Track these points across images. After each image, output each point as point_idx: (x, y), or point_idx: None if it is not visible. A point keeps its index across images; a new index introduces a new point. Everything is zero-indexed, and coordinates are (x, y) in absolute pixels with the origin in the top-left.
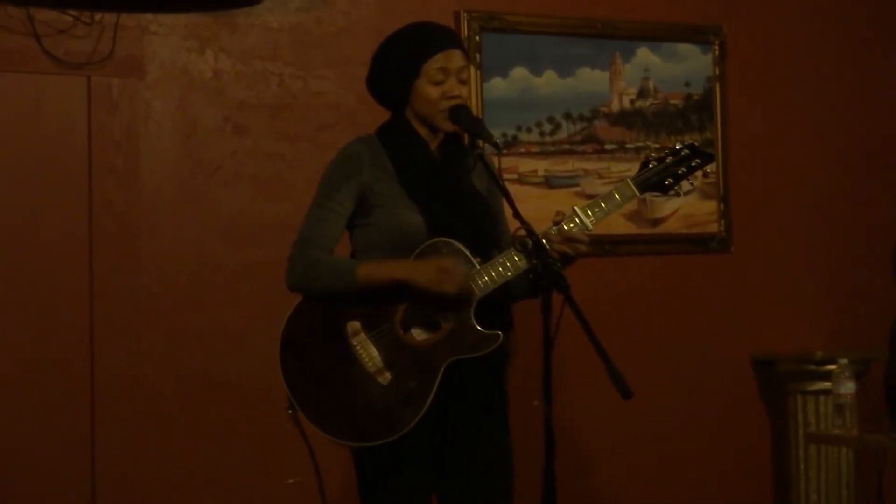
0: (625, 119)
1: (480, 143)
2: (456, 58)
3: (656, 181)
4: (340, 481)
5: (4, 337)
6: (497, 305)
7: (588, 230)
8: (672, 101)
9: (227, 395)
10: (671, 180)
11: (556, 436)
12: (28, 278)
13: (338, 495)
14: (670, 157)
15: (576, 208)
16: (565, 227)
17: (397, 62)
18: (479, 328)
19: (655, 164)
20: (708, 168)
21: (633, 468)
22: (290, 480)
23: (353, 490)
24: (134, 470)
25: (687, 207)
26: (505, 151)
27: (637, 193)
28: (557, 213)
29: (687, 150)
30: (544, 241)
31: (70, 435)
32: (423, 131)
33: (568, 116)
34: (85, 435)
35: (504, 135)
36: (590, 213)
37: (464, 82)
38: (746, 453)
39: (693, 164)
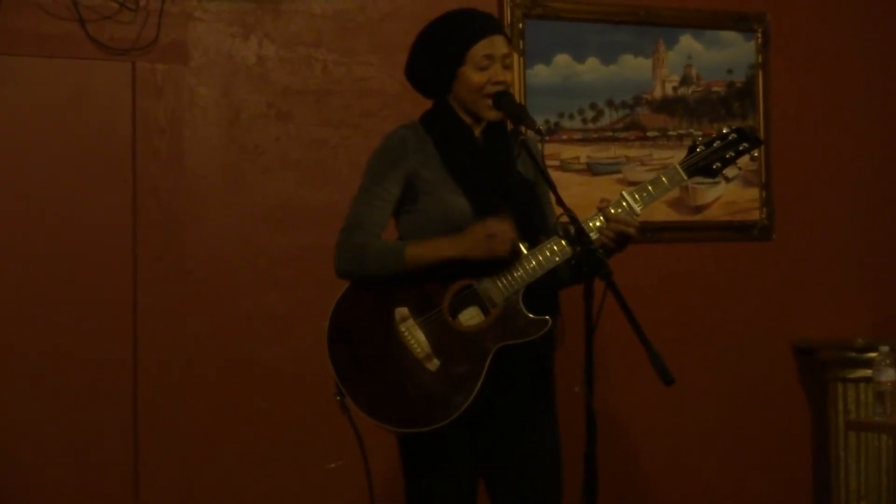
0: (667, 106)
1: (523, 129)
2: (500, 44)
3: (704, 165)
4: (385, 466)
5: (48, 323)
6: (544, 291)
7: (636, 215)
8: (714, 89)
9: (272, 381)
10: (719, 164)
11: (597, 421)
12: (72, 264)
13: (383, 480)
14: (718, 142)
15: (623, 193)
16: (612, 212)
17: (441, 49)
18: (527, 313)
19: (703, 148)
20: (755, 152)
21: (673, 454)
22: (332, 465)
23: (399, 475)
24: (178, 455)
25: (729, 195)
26: (548, 138)
27: (685, 178)
28: (602, 200)
29: (734, 135)
30: (597, 225)
31: (114, 420)
32: (466, 118)
33: (610, 103)
34: (129, 420)
35: (547, 121)
36: (637, 197)
37: (508, 68)
38: (786, 440)
39: (741, 148)
